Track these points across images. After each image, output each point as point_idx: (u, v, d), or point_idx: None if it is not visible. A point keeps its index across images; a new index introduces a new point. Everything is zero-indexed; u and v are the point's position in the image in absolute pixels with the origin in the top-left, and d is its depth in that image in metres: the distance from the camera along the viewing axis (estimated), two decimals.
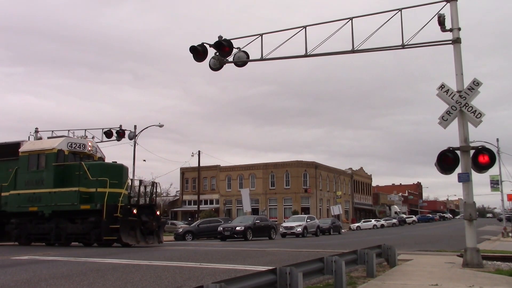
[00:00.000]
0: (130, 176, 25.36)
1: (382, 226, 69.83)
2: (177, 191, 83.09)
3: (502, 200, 54.36)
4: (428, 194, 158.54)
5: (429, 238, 33.23)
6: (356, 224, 69.18)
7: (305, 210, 68.13)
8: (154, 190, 23.02)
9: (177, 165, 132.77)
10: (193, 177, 76.70)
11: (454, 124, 12.75)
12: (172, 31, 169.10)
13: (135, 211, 20.52)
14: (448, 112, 12.64)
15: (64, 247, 20.75)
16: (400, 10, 13.52)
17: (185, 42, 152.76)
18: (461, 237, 15.81)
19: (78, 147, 22.76)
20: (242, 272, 9.69)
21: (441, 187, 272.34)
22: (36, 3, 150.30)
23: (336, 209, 64.65)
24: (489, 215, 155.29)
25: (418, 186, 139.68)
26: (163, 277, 9.66)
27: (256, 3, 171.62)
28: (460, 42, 12.84)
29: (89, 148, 23.24)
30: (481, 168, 12.40)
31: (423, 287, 8.77)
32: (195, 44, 15.57)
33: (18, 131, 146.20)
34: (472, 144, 12.95)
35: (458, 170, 12.51)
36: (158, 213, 22.33)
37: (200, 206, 64.94)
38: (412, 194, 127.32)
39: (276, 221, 53.23)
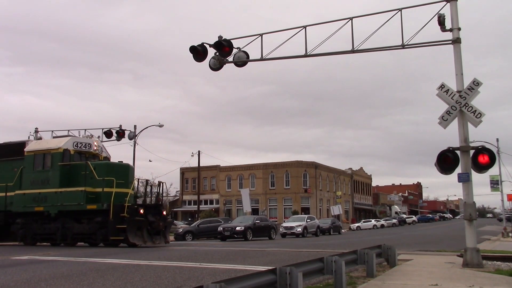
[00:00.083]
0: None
1: (382, 226, 69.84)
2: (177, 191, 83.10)
3: (502, 200, 54.36)
4: (428, 194, 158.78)
5: (429, 238, 33.24)
6: (356, 224, 69.19)
7: (305, 210, 68.13)
8: (161, 190, 22.87)
9: (177, 165, 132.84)
10: (193, 177, 76.70)
11: (454, 124, 12.75)
12: (172, 31, 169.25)
13: (142, 211, 20.38)
14: (448, 112, 12.64)
15: (66, 247, 20.73)
16: (400, 10, 13.53)
17: (185, 42, 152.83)
18: (461, 237, 15.81)
19: (84, 147, 22.66)
20: (242, 272, 9.68)
21: (441, 187, 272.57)
22: (36, 3, 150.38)
23: (336, 209, 64.65)
24: (489, 215, 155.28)
25: (418, 186, 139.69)
26: (163, 277, 9.66)
27: (256, 3, 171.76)
28: (460, 42, 12.85)
29: (95, 148, 23.15)
30: (481, 168, 12.40)
31: (423, 287, 8.77)
32: (195, 44, 15.57)
33: (18, 131, 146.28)
34: (472, 144, 12.95)
35: (458, 170, 12.51)
36: (164, 213, 22.21)
37: (200, 206, 64.95)
38: (412, 194, 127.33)
39: (276, 221, 53.24)
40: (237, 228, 31.60)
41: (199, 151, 58.95)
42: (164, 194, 23.44)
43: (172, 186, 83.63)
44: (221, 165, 78.07)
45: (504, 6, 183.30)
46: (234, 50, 15.67)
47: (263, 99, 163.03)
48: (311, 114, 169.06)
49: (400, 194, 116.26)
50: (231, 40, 15.58)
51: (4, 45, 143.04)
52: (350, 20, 14.31)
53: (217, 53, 15.63)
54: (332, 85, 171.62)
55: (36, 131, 29.34)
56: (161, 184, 22.80)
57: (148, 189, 22.76)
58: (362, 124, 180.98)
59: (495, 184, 49.91)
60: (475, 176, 12.65)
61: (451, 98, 12.65)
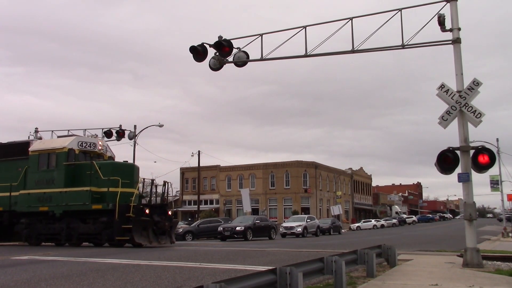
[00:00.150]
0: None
1: (382, 226, 69.83)
2: (177, 191, 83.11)
3: (502, 200, 54.37)
4: (428, 194, 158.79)
5: (429, 238, 33.23)
6: (356, 224, 69.18)
7: (305, 210, 68.13)
8: (166, 190, 22.76)
9: (177, 165, 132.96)
10: (193, 177, 76.68)
11: (454, 124, 12.75)
12: (172, 31, 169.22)
13: (147, 211, 20.28)
14: (448, 112, 12.63)
15: (66, 247, 20.72)
16: (400, 10, 13.52)
17: (185, 42, 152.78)
18: (461, 237, 15.81)
19: (88, 146, 22.57)
20: (242, 272, 9.68)
21: (441, 187, 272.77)
22: (36, 3, 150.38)
23: (336, 209, 64.65)
24: (489, 215, 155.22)
25: (418, 186, 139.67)
26: (163, 277, 9.66)
27: (256, 3, 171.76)
28: (460, 42, 12.85)
29: (100, 147, 23.08)
30: (481, 168, 12.40)
31: (423, 287, 8.77)
32: (195, 44, 15.56)
33: (18, 131, 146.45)
34: (472, 144, 12.95)
35: (458, 170, 12.51)
36: (170, 213, 22.15)
37: (200, 206, 64.94)
38: (412, 194, 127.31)
39: (276, 221, 53.22)
40: (237, 228, 31.60)
41: (199, 151, 59.02)
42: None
43: (172, 186, 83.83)
44: (221, 165, 78.11)
45: (504, 6, 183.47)
46: (234, 50, 15.66)
47: (263, 99, 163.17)
48: (311, 114, 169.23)
49: (400, 194, 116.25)
50: (231, 40, 15.57)
51: (4, 45, 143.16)
52: (350, 20, 14.31)
53: (217, 53, 15.62)
54: (332, 85, 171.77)
55: (36, 131, 29.31)
56: (166, 184, 22.69)
57: (153, 189, 22.69)
58: (362, 124, 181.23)
59: (495, 184, 49.92)
60: (475, 176, 12.67)
61: (451, 98, 12.65)
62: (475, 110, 12.37)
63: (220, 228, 32.68)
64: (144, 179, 25.00)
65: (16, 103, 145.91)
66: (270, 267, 7.44)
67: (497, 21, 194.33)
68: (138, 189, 22.00)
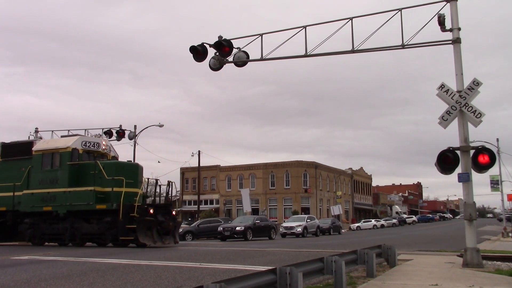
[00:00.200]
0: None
1: (382, 226, 69.85)
2: (177, 191, 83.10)
3: (502, 200, 54.38)
4: (428, 194, 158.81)
5: (429, 238, 33.23)
6: (356, 224, 69.18)
7: (305, 210, 68.13)
8: (170, 190, 22.67)
9: (177, 165, 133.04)
10: (193, 177, 76.67)
11: (454, 124, 12.75)
12: (172, 31, 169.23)
13: (152, 211, 20.20)
14: (448, 112, 12.63)
15: (67, 247, 20.71)
16: (400, 10, 13.52)
17: (185, 42, 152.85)
18: (461, 237, 15.81)
19: (92, 146, 22.50)
20: (242, 272, 9.68)
21: (441, 187, 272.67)
22: (36, 3, 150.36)
23: (336, 209, 64.65)
24: (489, 215, 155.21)
25: (418, 186, 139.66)
26: (163, 277, 9.66)
27: (256, 3, 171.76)
28: (460, 42, 12.84)
29: (104, 147, 23.01)
30: (481, 168, 12.40)
31: (423, 287, 8.77)
32: (195, 44, 15.56)
33: (18, 131, 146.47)
34: (472, 144, 12.94)
35: (458, 170, 12.51)
36: (174, 213, 22.10)
37: (200, 206, 64.95)
38: (412, 194, 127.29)
39: (276, 221, 53.22)
40: (237, 228, 31.59)
41: (199, 151, 59.05)
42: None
43: (175, 186, 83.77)
44: (221, 165, 78.12)
45: (504, 6, 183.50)
46: (234, 50, 15.66)
47: (263, 99, 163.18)
48: (311, 114, 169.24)
49: (400, 194, 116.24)
50: (231, 40, 15.57)
51: (4, 45, 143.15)
52: (350, 20, 14.31)
53: (217, 53, 15.62)
54: (332, 85, 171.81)
55: (36, 131, 29.31)
56: (170, 184, 22.62)
57: (157, 189, 22.68)
58: (362, 124, 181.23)
59: (495, 184, 49.94)
60: (475, 176, 12.67)
61: (451, 98, 12.65)
62: (475, 110, 12.37)
63: (220, 228, 32.68)
64: (148, 179, 24.99)
65: (16, 103, 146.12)
66: (270, 267, 7.44)
67: (497, 21, 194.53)
68: (142, 189, 22.00)
